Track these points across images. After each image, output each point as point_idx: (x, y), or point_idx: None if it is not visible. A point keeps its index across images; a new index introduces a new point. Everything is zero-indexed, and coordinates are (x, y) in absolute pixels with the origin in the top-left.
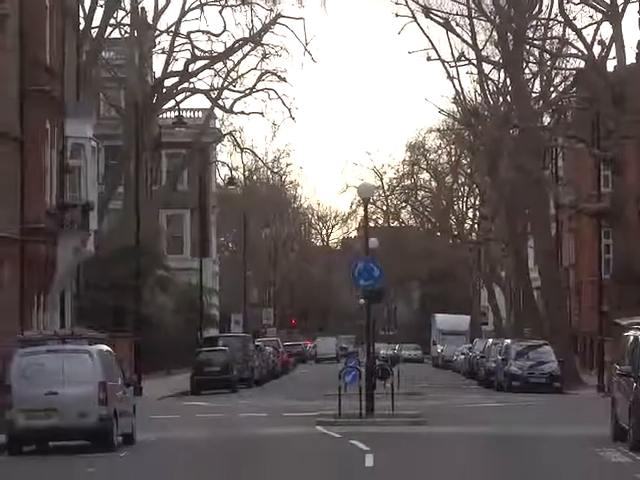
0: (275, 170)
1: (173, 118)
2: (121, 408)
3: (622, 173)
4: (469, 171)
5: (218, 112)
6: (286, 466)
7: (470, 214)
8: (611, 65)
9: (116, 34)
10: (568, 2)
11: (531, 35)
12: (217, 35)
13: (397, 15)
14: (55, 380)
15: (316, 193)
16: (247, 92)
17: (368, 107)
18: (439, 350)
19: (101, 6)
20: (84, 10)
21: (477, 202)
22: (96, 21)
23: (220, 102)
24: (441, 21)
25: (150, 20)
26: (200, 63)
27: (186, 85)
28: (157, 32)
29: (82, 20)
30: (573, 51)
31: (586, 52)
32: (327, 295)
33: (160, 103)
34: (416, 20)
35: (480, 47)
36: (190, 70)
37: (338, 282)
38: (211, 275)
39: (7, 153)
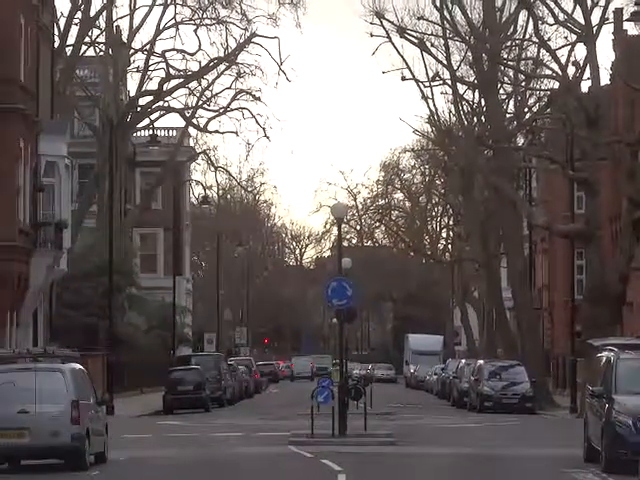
0: (249, 189)
1: (147, 137)
2: (93, 427)
3: (596, 194)
4: (443, 191)
5: (192, 131)
6: None
7: (444, 234)
8: (585, 86)
9: (91, 52)
10: (543, 23)
11: (505, 56)
12: (192, 54)
13: (372, 35)
14: (27, 399)
15: (290, 212)
16: (221, 111)
17: (342, 127)
18: (412, 370)
19: (76, 24)
20: (59, 28)
21: (451, 222)
22: (71, 39)
23: (194, 121)
24: (416, 41)
25: (125, 38)
26: (175, 82)
27: (160, 104)
28: (132, 50)
29: (57, 38)
30: (547, 72)
31: (560, 73)
32: (300, 314)
33: (134, 122)
34: (391, 40)
35: (455, 67)
36: (164, 89)
37: (311, 302)
38: (184, 294)
39: None
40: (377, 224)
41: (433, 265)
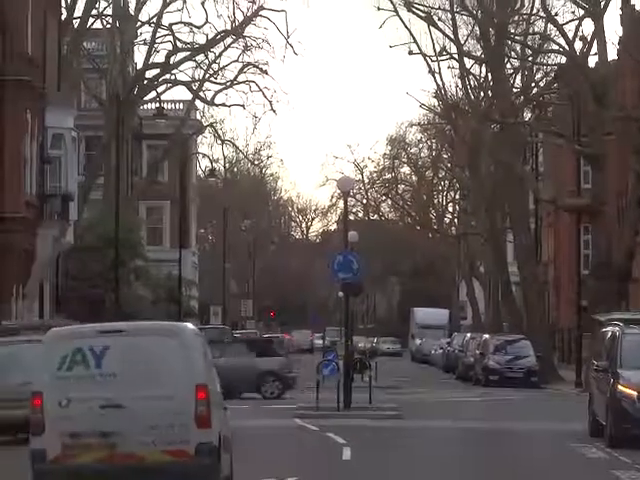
0: (256, 162)
1: (154, 109)
2: None
3: (602, 169)
4: (449, 165)
5: (199, 104)
6: (262, 458)
7: (450, 208)
8: (592, 61)
9: (98, 25)
10: None
11: (513, 30)
12: (199, 27)
13: (379, 9)
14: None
15: (296, 186)
16: (228, 84)
17: (349, 100)
18: (417, 344)
19: None
20: (66, 0)
21: (457, 196)
22: (78, 11)
23: (201, 94)
24: (423, 15)
25: (132, 11)
26: (181, 55)
27: (167, 77)
28: (139, 23)
29: (64, 10)
30: (554, 47)
31: (567, 48)
32: (306, 288)
33: (141, 94)
34: (398, 14)
35: (462, 42)
36: (171, 62)
37: (317, 275)
38: (190, 267)
39: None
40: (383, 198)
41: (439, 239)
